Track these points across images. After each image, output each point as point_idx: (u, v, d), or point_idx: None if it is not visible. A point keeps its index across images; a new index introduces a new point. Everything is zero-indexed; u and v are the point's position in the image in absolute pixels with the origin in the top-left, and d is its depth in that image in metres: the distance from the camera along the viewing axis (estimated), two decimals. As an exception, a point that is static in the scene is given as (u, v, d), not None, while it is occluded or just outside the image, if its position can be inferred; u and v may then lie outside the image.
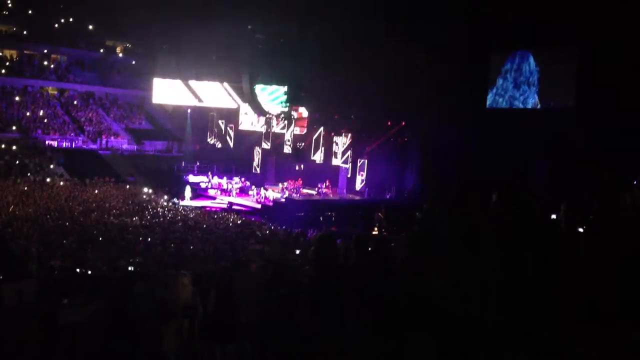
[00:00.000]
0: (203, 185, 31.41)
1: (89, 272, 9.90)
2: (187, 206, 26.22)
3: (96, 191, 26.14)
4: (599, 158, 18.11)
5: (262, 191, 29.31)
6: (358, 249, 4.80)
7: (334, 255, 4.45)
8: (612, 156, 17.79)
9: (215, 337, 5.53)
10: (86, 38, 44.69)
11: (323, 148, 31.34)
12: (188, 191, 29.12)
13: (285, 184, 30.79)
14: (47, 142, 34.85)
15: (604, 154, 18.07)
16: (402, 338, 3.19)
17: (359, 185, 30.02)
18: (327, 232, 17.31)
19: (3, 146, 31.83)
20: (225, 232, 18.33)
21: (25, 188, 24.61)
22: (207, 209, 26.48)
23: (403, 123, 28.35)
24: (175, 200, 27.80)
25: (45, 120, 37.80)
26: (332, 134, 30.87)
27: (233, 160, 35.31)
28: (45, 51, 42.33)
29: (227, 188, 31.07)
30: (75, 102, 41.48)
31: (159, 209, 23.70)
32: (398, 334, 3.21)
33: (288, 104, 29.54)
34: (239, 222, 21.90)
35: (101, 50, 44.64)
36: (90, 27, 45.65)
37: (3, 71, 39.42)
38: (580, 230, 3.89)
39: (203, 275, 6.50)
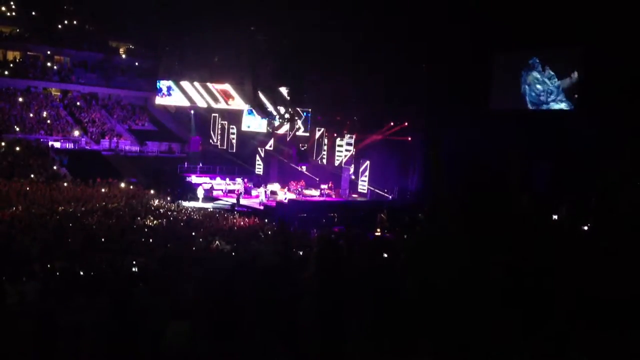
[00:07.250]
0: (207, 187, 31.48)
1: (92, 273, 9.91)
2: (190, 207, 26.22)
3: (99, 192, 26.17)
4: (599, 159, 18.10)
5: (265, 189, 29.40)
6: (360, 250, 4.80)
7: (337, 257, 4.44)
8: (613, 157, 17.76)
9: (217, 338, 5.52)
10: (89, 39, 44.88)
11: (325, 149, 31.42)
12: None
13: (288, 185, 30.85)
14: (50, 143, 34.92)
15: (605, 155, 18.04)
16: (403, 339, 3.18)
17: (361, 186, 30.06)
18: (329, 233, 17.33)
19: (6, 147, 31.89)
20: (228, 232, 18.33)
21: (28, 189, 24.64)
22: (210, 209, 26.47)
23: (405, 124, 28.34)
24: (180, 201, 27.78)
25: (49, 122, 37.92)
26: (335, 135, 30.95)
27: (236, 162, 35.36)
28: (49, 52, 42.49)
29: (230, 189, 31.12)
30: (78, 103, 41.60)
31: (161, 209, 23.72)
32: (399, 335, 3.20)
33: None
34: (241, 222, 21.92)
35: (104, 52, 44.76)
36: (94, 28, 45.83)
37: (6, 72, 39.60)
38: (585, 228, 3.89)
39: (206, 276, 6.50)
